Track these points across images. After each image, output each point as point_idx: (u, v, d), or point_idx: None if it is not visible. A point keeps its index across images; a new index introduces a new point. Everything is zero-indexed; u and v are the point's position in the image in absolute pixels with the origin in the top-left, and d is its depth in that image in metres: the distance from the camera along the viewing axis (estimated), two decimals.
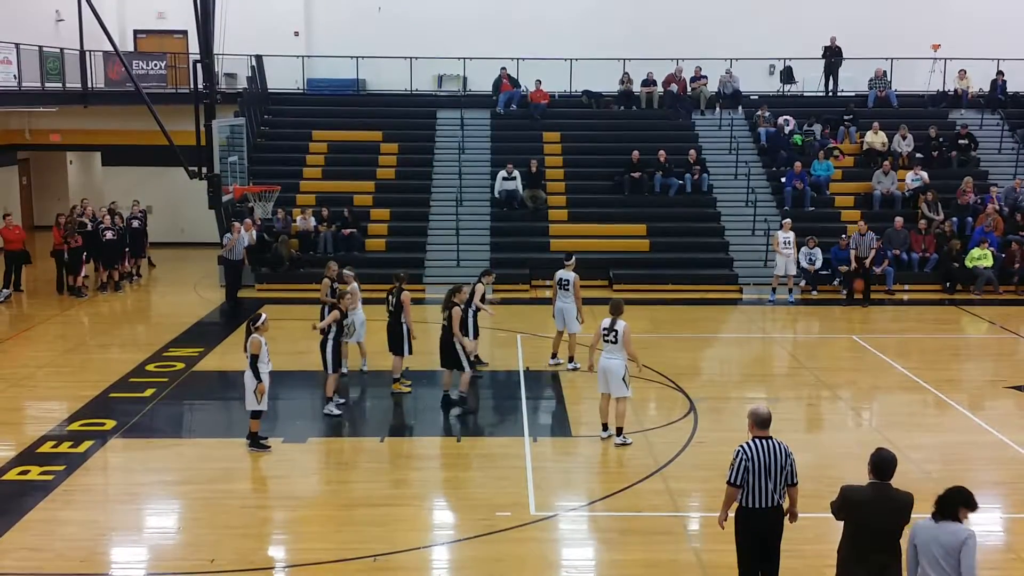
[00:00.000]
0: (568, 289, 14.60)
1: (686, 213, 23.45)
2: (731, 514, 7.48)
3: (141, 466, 11.19)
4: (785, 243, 20.18)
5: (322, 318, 13.11)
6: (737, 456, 7.27)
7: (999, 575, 8.78)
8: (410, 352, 13.57)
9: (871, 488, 6.65)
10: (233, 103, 25.36)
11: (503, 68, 26.76)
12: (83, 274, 20.59)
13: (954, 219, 22.24)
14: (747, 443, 7.32)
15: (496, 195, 23.55)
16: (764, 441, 7.30)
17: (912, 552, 6.33)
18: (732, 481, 7.29)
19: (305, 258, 21.84)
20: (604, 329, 11.46)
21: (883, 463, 6.64)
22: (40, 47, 22.45)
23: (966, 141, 25.05)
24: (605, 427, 11.83)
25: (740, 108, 26.98)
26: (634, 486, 10.46)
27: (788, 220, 20.89)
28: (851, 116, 25.94)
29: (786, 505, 7.45)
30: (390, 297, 13.57)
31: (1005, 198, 23.05)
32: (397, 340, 13.52)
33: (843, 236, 21.27)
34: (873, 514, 6.57)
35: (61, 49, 23.15)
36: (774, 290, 20.34)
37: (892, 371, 15.14)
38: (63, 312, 19.12)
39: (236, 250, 20.06)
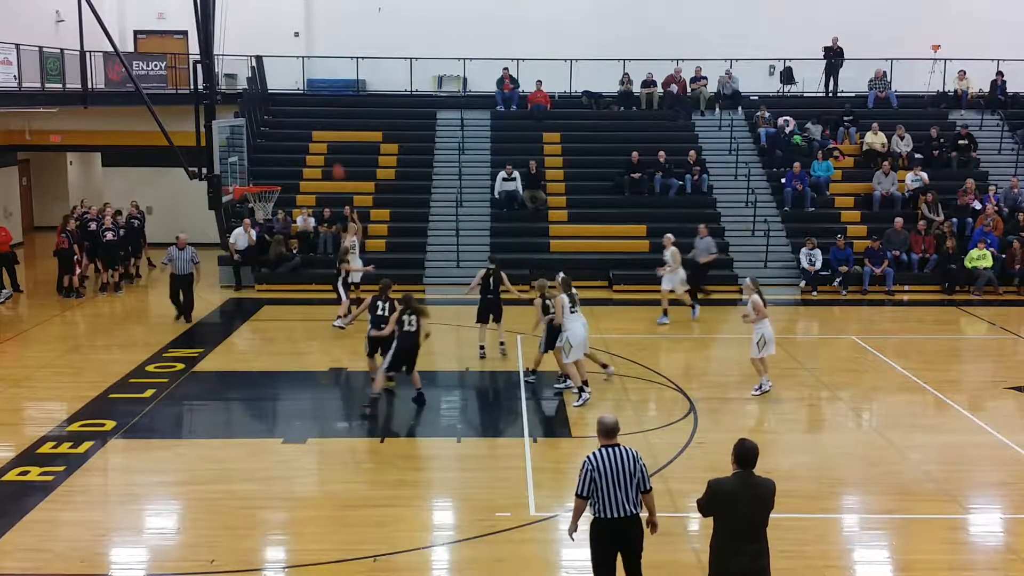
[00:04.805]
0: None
1: (686, 214, 23.40)
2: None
3: (141, 467, 11.20)
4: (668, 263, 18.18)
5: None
6: (583, 467, 7.11)
7: (999, 575, 8.77)
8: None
9: (736, 478, 6.74)
10: (233, 103, 25.39)
11: (505, 68, 26.76)
12: (78, 273, 20.51)
13: (954, 220, 22.25)
14: (593, 452, 7.17)
15: (496, 196, 23.56)
16: (611, 449, 7.15)
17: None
18: (580, 493, 7.11)
19: (304, 258, 21.82)
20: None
21: (746, 452, 6.75)
22: (40, 48, 22.40)
23: (966, 142, 25.05)
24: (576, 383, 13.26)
25: (740, 109, 26.98)
26: None
27: (669, 236, 18.76)
28: (851, 117, 25.95)
29: (644, 515, 7.27)
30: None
31: (1004, 199, 23.06)
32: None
33: (839, 236, 21.31)
34: (741, 504, 6.69)
35: (61, 50, 23.11)
36: (665, 312, 18.26)
37: (892, 372, 15.14)
38: (63, 313, 19.12)
39: (179, 264, 18.00)
